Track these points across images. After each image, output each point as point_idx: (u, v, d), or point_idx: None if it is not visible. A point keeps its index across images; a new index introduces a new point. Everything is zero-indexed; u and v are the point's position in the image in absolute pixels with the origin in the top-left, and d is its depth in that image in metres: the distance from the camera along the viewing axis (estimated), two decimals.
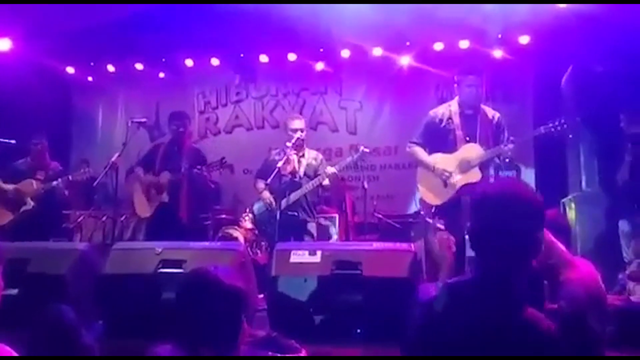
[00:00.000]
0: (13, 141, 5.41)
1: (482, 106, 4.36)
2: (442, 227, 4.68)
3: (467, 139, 4.22)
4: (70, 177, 5.31)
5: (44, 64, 7.62)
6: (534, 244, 1.56)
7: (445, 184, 4.19)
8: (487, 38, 7.02)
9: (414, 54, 7.42)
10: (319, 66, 7.85)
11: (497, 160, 4.32)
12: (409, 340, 1.60)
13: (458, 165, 4.20)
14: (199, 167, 5.11)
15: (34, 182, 5.32)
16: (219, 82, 8.49)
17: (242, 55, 7.98)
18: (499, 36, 6.96)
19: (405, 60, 7.48)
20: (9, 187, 5.33)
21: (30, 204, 5.25)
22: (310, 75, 8.06)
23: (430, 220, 5.18)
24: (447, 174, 4.17)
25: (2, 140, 5.33)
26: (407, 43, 7.32)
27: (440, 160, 4.28)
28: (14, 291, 2.93)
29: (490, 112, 4.36)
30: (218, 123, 8.57)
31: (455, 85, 4.42)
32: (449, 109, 4.35)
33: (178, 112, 5.76)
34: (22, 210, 5.26)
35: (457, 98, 4.39)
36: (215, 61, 8.03)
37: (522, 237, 1.52)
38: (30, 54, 7.27)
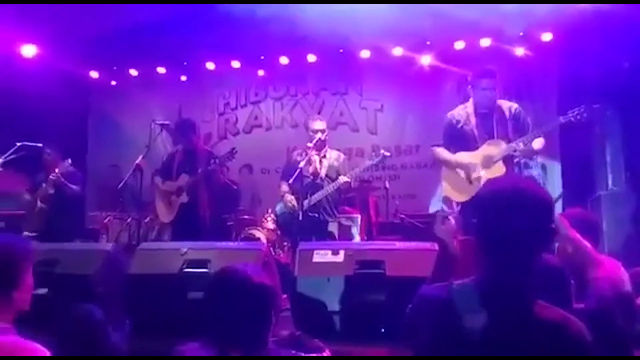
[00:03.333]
0: (40, 144, 5.52)
1: (499, 102, 4.37)
2: (451, 217, 4.71)
3: (486, 137, 4.26)
4: (57, 171, 5.43)
5: (68, 69, 7.75)
6: (543, 239, 1.54)
7: (470, 181, 4.22)
8: (508, 36, 6.96)
9: (435, 53, 7.39)
10: (339, 67, 7.86)
11: (518, 157, 4.31)
12: (418, 340, 1.60)
13: (481, 162, 4.23)
14: (213, 160, 5.17)
15: (43, 184, 5.54)
16: (239, 84, 8.56)
17: (262, 57, 8.04)
18: (521, 34, 6.90)
19: (426, 60, 7.45)
20: (31, 196, 5.59)
21: (39, 205, 5.45)
22: (330, 76, 8.08)
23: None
24: (472, 166, 4.19)
25: (28, 144, 5.43)
26: (428, 42, 7.30)
27: (464, 157, 4.33)
28: (44, 291, 2.99)
29: (506, 106, 4.36)
30: (237, 123, 8.64)
31: (469, 87, 4.43)
32: (465, 110, 4.40)
33: (183, 121, 5.84)
34: (34, 212, 5.48)
35: (471, 99, 4.43)
36: (235, 64, 8.10)
37: (530, 233, 1.50)
38: (54, 60, 7.41)
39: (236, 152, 5.25)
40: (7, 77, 6.74)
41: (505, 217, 1.50)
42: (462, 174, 4.30)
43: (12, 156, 5.34)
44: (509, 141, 4.20)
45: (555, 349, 1.42)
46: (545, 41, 6.95)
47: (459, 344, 1.47)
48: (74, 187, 5.56)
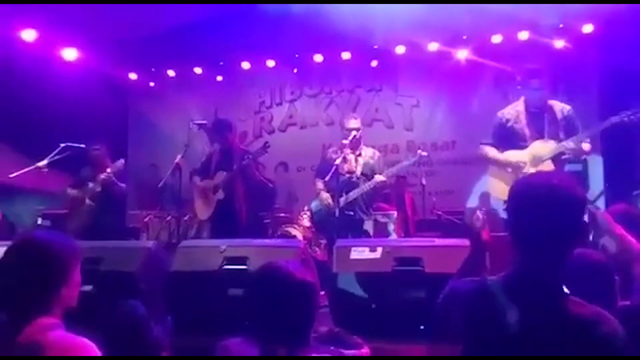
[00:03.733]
0: (82, 145, 5.66)
1: (550, 102, 4.31)
2: (479, 212, 4.63)
3: (536, 135, 4.21)
4: (109, 170, 5.52)
5: (107, 71, 7.95)
6: (575, 235, 1.53)
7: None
8: (547, 28, 6.82)
9: (471, 48, 7.30)
10: (374, 63, 7.83)
11: (567, 156, 4.24)
12: (449, 333, 1.60)
13: (530, 161, 4.20)
14: (247, 156, 5.23)
15: (90, 183, 5.60)
16: (274, 82, 8.62)
17: (297, 55, 8.07)
18: (560, 26, 6.74)
19: (462, 54, 7.36)
20: (76, 193, 5.65)
21: (87, 202, 5.53)
22: (365, 73, 8.07)
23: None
24: (521, 164, 4.17)
25: (72, 145, 5.57)
26: (464, 37, 7.20)
27: (513, 155, 4.30)
28: (89, 287, 3.07)
29: (559, 107, 4.31)
30: (273, 122, 8.71)
31: (519, 87, 4.38)
32: (515, 109, 4.36)
33: (219, 121, 5.91)
34: (81, 210, 5.56)
35: (522, 98, 4.37)
36: (270, 62, 8.16)
37: (562, 228, 1.49)
38: (95, 63, 7.60)
39: (269, 146, 5.31)
40: (50, 80, 6.95)
41: (537, 213, 1.50)
42: (510, 172, 4.27)
43: (56, 157, 5.49)
44: (559, 141, 4.15)
45: (586, 347, 1.40)
46: (586, 33, 6.78)
47: (489, 339, 1.48)
48: (122, 185, 5.68)
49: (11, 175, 5.52)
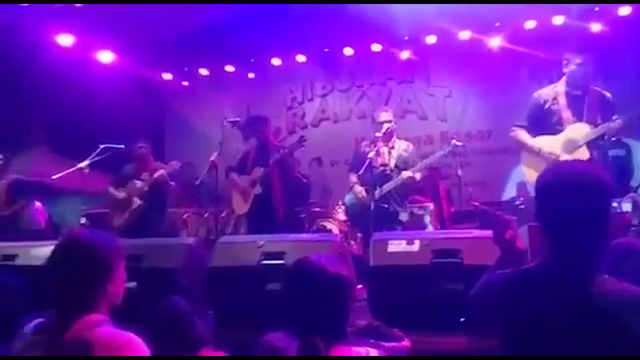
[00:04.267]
0: (122, 146, 5.77)
1: (593, 87, 4.14)
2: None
3: (574, 119, 4.03)
4: (164, 172, 5.57)
5: (142, 72, 8.10)
6: (602, 222, 1.51)
7: None
8: (582, 12, 6.64)
9: (504, 35, 7.17)
10: (405, 54, 7.76)
11: (601, 142, 4.09)
12: (484, 326, 1.59)
13: (564, 146, 4.03)
14: (283, 149, 5.24)
15: (137, 182, 5.63)
16: (305, 78, 8.64)
17: (326, 50, 8.07)
18: (596, 9, 6.55)
19: (495, 42, 7.24)
20: (120, 194, 5.68)
21: (137, 202, 5.57)
22: (396, 64, 8.01)
23: None
24: (554, 156, 4.00)
25: (112, 146, 5.69)
26: (497, 24, 7.07)
27: (545, 142, 4.12)
28: (132, 284, 3.14)
29: (600, 93, 4.12)
30: (305, 117, 8.73)
31: (565, 62, 4.18)
32: (554, 90, 4.17)
33: (255, 117, 5.95)
34: (130, 209, 5.59)
35: (564, 78, 4.18)
36: (301, 58, 8.18)
37: (589, 216, 1.49)
38: (129, 64, 7.76)
39: (305, 140, 5.35)
40: (87, 83, 7.12)
41: (564, 201, 1.50)
42: (543, 158, 4.07)
43: (96, 158, 5.61)
44: (596, 126, 3.98)
45: (625, 324, 1.38)
46: (623, 15, 6.57)
47: (530, 329, 1.47)
48: (172, 184, 5.75)
49: (54, 177, 5.68)
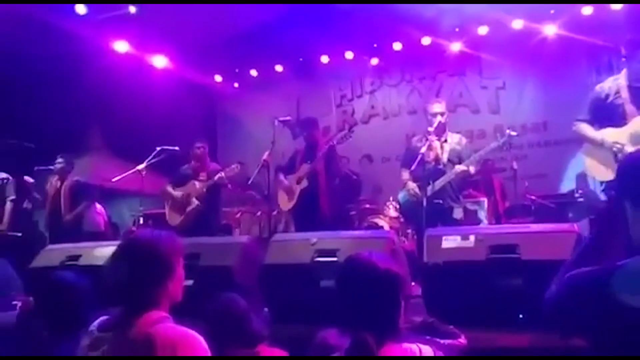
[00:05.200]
0: (177, 148, 5.90)
1: None
2: None
3: (638, 113, 3.88)
4: (223, 174, 5.65)
5: (194, 75, 8.29)
6: None
7: (617, 158, 3.88)
8: None
9: (560, 22, 6.92)
10: (455, 47, 7.63)
11: None
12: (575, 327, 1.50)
13: (630, 138, 3.88)
14: (331, 142, 5.32)
15: (196, 182, 5.71)
16: (354, 74, 8.62)
17: (375, 45, 8.03)
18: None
19: (550, 30, 7.01)
20: (178, 193, 5.78)
21: (195, 202, 5.66)
22: (447, 57, 7.87)
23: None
24: (618, 145, 3.87)
25: (168, 148, 5.84)
26: (552, 11, 6.84)
27: (609, 134, 3.99)
28: (190, 282, 3.21)
29: None
30: (355, 114, 8.70)
31: (624, 59, 4.06)
32: (616, 83, 4.03)
33: (305, 119, 5.97)
34: (188, 209, 5.69)
35: (625, 70, 4.03)
36: (349, 54, 8.16)
37: None
38: (182, 68, 7.95)
39: (353, 130, 5.34)
40: (142, 87, 7.35)
41: None
42: (608, 151, 3.95)
43: (153, 160, 5.77)
44: None
45: None
46: None
47: (622, 328, 1.38)
48: (230, 186, 5.86)
49: (114, 179, 5.88)
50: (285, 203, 5.60)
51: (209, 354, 1.74)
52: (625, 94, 3.95)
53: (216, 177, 5.60)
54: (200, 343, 1.72)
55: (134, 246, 1.89)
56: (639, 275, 1.41)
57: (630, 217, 1.46)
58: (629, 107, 3.93)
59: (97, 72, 6.83)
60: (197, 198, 5.64)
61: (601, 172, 4.03)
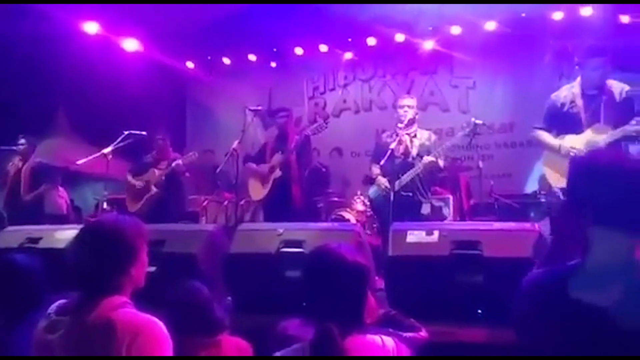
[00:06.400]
0: (144, 133, 5.84)
1: (609, 82, 4.08)
2: None
3: (592, 120, 4.03)
4: (180, 161, 5.66)
5: (166, 60, 8.16)
6: None
7: None
8: (612, 3, 6.51)
9: (530, 26, 7.04)
10: (428, 45, 7.69)
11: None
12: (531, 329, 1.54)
13: (586, 145, 4.00)
14: (306, 132, 5.34)
15: (155, 170, 5.79)
16: (327, 68, 8.61)
17: (349, 39, 8.03)
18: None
19: (520, 33, 7.11)
20: (138, 180, 5.85)
21: (154, 190, 5.71)
22: (419, 55, 7.92)
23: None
24: (574, 151, 3.97)
25: (135, 132, 5.77)
26: (523, 14, 6.96)
27: (567, 141, 4.12)
28: (152, 269, 3.17)
29: (618, 88, 4.06)
30: (326, 107, 8.70)
31: (577, 67, 4.17)
32: (571, 91, 4.15)
33: (277, 108, 6.00)
34: (147, 196, 5.74)
35: (579, 79, 4.15)
36: (323, 47, 8.15)
37: (634, 204, 1.41)
38: (153, 52, 7.82)
39: (329, 121, 5.35)
40: (112, 70, 7.19)
41: (615, 189, 1.43)
42: (564, 158, 4.03)
43: (120, 144, 5.69)
44: (615, 126, 3.93)
45: None
46: None
47: (577, 329, 1.41)
48: (187, 175, 5.87)
49: (78, 162, 5.77)
50: (257, 191, 5.57)
51: (170, 341, 1.72)
52: (580, 101, 4.07)
53: (173, 164, 5.60)
54: (161, 330, 1.71)
55: (98, 229, 1.86)
56: (589, 275, 1.46)
57: (582, 219, 1.50)
58: (584, 115, 4.04)
59: (65, 53, 6.67)
60: (155, 186, 5.65)
61: (558, 179, 4.14)
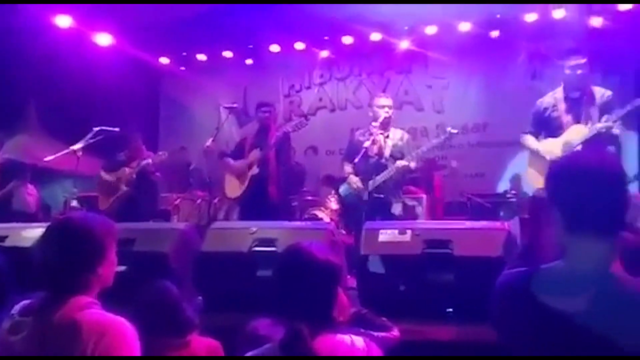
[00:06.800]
0: (116, 129, 5.76)
1: (593, 87, 4.29)
2: None
3: (573, 122, 4.22)
4: (150, 161, 5.62)
5: (140, 56, 8.05)
6: (622, 213, 1.44)
7: None
8: (584, 6, 6.63)
9: (504, 27, 7.13)
10: (404, 44, 7.73)
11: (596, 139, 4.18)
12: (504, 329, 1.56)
13: (563, 148, 4.20)
14: (286, 129, 5.27)
15: (126, 169, 5.71)
16: (303, 66, 8.59)
17: (326, 37, 8.03)
18: (597, 3, 6.55)
19: (494, 34, 7.20)
20: (110, 177, 5.76)
21: (124, 188, 5.64)
22: (395, 54, 7.96)
23: None
24: (551, 156, 4.15)
25: (106, 129, 5.67)
26: (497, 15, 7.04)
27: (546, 144, 4.34)
28: (122, 268, 3.13)
29: (600, 92, 4.28)
30: (302, 105, 8.68)
31: (560, 62, 4.39)
32: (554, 97, 4.37)
33: (263, 102, 5.91)
34: (117, 195, 5.66)
35: (562, 85, 4.35)
36: (299, 45, 8.13)
37: (612, 207, 1.41)
38: (127, 47, 7.70)
39: (309, 118, 5.33)
40: (84, 65, 7.07)
41: (588, 193, 1.42)
42: (545, 161, 4.26)
43: (90, 140, 5.60)
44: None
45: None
46: (624, 10, 6.56)
47: (547, 331, 1.42)
48: (158, 175, 5.80)
49: (47, 159, 5.66)
50: (234, 189, 5.50)
51: (138, 343, 1.69)
52: (561, 106, 4.27)
53: (142, 163, 5.53)
54: (128, 330, 1.68)
55: (66, 227, 1.83)
56: (560, 280, 1.47)
57: (556, 222, 1.51)
58: (565, 118, 4.24)
59: (35, 47, 6.53)
60: (126, 184, 5.58)
61: (539, 180, 4.32)
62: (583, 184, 1.44)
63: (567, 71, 4.24)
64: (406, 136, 5.13)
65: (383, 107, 4.92)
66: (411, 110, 8.02)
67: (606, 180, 1.44)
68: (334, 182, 5.84)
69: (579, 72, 4.18)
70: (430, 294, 3.02)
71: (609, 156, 1.52)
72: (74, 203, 5.95)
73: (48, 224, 1.97)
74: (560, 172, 1.53)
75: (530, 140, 4.49)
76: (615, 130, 4.08)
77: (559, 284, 1.43)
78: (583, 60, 4.20)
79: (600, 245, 1.42)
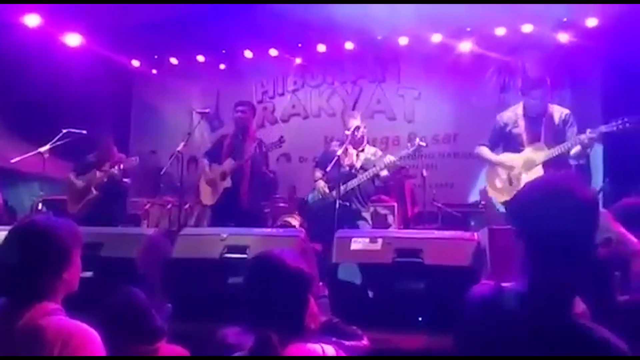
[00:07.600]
0: (84, 131, 5.65)
1: (551, 107, 4.42)
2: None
3: (532, 140, 4.35)
4: (122, 166, 5.52)
5: (111, 58, 7.93)
6: (589, 240, 1.46)
7: (511, 182, 4.30)
8: (551, 21, 6.80)
9: (475, 40, 7.27)
10: (377, 54, 7.80)
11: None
12: (459, 336, 1.58)
13: (523, 164, 4.33)
14: (261, 148, 5.24)
15: (97, 172, 5.58)
16: (277, 72, 8.59)
17: (299, 45, 8.05)
18: (564, 19, 6.72)
19: (465, 47, 7.34)
20: (80, 182, 5.62)
21: (94, 192, 5.52)
22: (368, 64, 8.03)
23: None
24: (512, 170, 4.34)
25: (74, 131, 5.57)
26: (468, 29, 7.17)
27: (506, 157, 4.46)
28: (89, 274, 3.06)
29: (558, 112, 4.41)
30: (275, 112, 8.68)
31: (520, 93, 4.57)
32: (515, 112, 4.49)
33: (245, 101, 5.85)
34: (87, 198, 5.53)
35: (522, 103, 4.48)
36: (273, 52, 8.14)
37: (573, 237, 1.41)
38: (98, 49, 7.58)
39: (284, 141, 5.33)
40: (52, 65, 6.93)
41: (550, 220, 1.42)
42: (504, 174, 4.42)
43: (58, 142, 5.48)
44: (553, 146, 4.25)
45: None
46: (591, 27, 6.74)
47: (496, 347, 1.44)
48: (127, 181, 5.69)
49: (13, 161, 5.53)
50: (207, 197, 5.47)
51: (103, 350, 1.66)
52: (522, 123, 4.41)
53: (111, 170, 5.44)
54: (93, 337, 1.65)
55: (29, 231, 1.78)
56: (526, 300, 1.46)
57: (523, 246, 1.51)
58: (525, 135, 4.37)
59: (2, 46, 6.37)
60: (96, 188, 5.47)
61: (498, 193, 4.46)
62: (550, 218, 1.43)
63: (529, 101, 4.41)
64: (379, 153, 5.18)
65: (357, 128, 4.96)
66: (383, 119, 8.09)
67: (574, 214, 1.43)
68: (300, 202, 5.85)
69: (538, 101, 4.34)
70: (400, 303, 3.03)
71: (578, 183, 1.52)
72: (40, 206, 5.79)
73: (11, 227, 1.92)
74: (527, 204, 1.51)
75: (487, 152, 4.59)
76: (574, 150, 4.16)
77: (525, 305, 1.44)
78: (542, 91, 4.35)
79: (563, 284, 1.43)
